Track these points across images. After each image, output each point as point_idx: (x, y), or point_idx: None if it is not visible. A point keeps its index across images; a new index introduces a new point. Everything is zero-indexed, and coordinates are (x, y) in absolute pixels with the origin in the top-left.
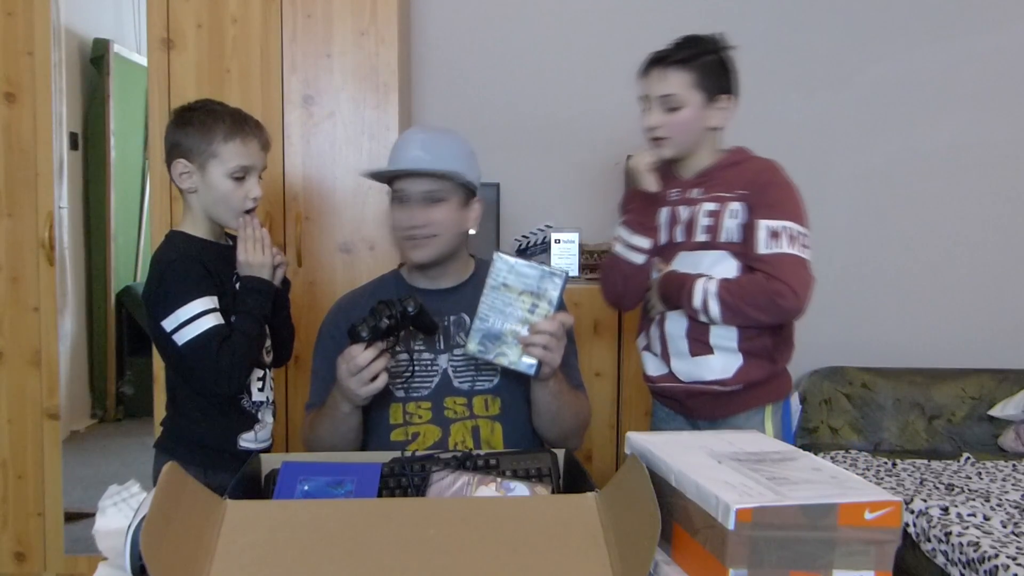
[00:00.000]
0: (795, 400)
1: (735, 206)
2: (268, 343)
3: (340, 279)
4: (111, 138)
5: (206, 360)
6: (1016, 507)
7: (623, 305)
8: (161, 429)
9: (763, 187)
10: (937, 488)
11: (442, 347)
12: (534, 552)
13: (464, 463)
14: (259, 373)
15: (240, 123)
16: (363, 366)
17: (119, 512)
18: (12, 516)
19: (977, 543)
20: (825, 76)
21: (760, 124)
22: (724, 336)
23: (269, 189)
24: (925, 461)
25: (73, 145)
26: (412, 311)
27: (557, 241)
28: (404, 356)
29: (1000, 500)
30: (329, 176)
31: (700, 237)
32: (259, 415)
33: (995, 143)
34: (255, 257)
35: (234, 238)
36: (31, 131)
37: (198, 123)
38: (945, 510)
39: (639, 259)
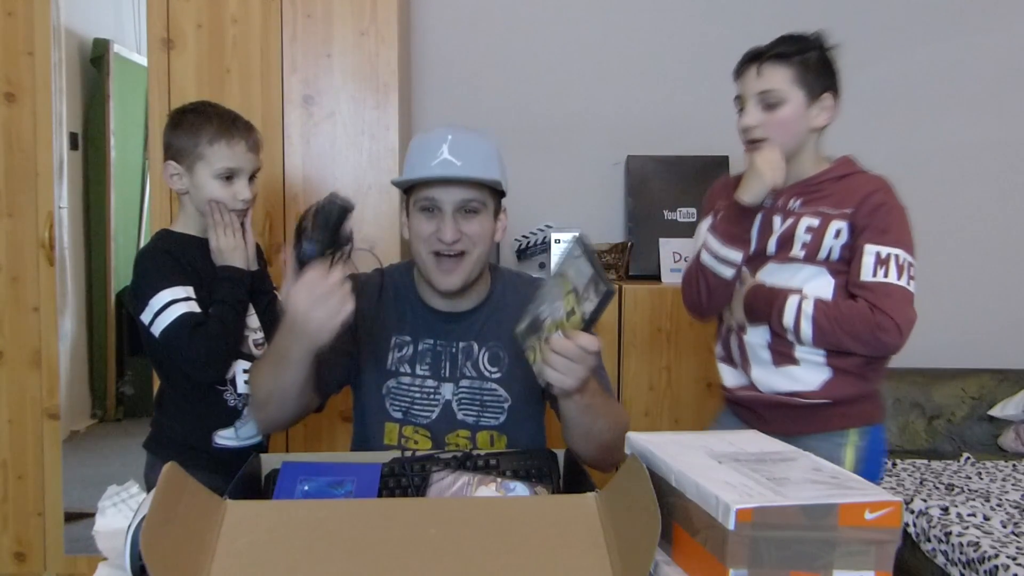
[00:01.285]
0: None
1: (839, 224)
2: (260, 336)
3: None
4: (111, 138)
5: (180, 346)
6: (1016, 507)
7: (704, 316)
8: (150, 430)
9: (874, 208)
10: (937, 488)
11: (447, 375)
12: (534, 552)
13: (464, 463)
14: (245, 366)
15: (227, 125)
16: (333, 288)
17: (119, 512)
18: (12, 516)
19: (977, 543)
20: None
21: None
22: (810, 350)
23: (269, 189)
24: (925, 461)
25: (73, 145)
26: (350, 206)
27: (557, 241)
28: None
29: (1000, 500)
30: (329, 176)
31: (796, 253)
32: (244, 410)
33: (995, 143)
34: (225, 241)
35: None
36: (31, 131)
37: (187, 125)
38: (945, 510)
39: (728, 272)
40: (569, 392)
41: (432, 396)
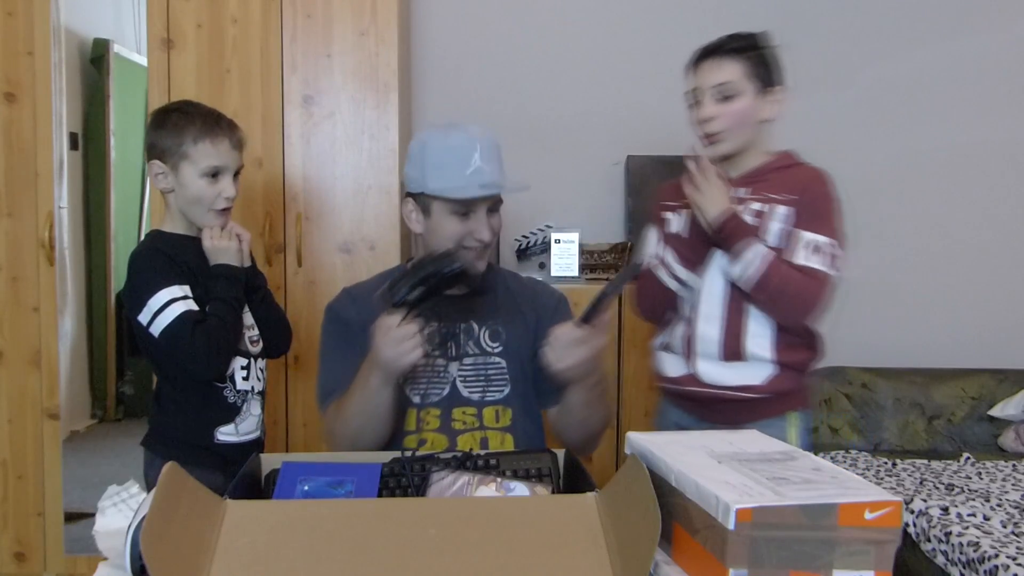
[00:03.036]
0: None
1: (782, 210)
2: (255, 333)
3: (340, 279)
4: (111, 138)
5: (181, 344)
6: (1016, 507)
7: (658, 321)
8: (148, 427)
9: (815, 198)
10: (937, 488)
11: (453, 354)
12: (534, 552)
13: (464, 463)
14: (242, 362)
15: (211, 124)
16: (408, 336)
17: (119, 512)
18: (12, 516)
19: (977, 543)
20: (825, 76)
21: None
22: (760, 345)
23: (269, 189)
24: (925, 461)
25: (73, 145)
26: (458, 268)
27: (557, 241)
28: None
29: (1000, 500)
30: (329, 176)
31: None
32: (243, 406)
33: (995, 143)
34: (220, 241)
35: None
36: (31, 131)
37: (171, 125)
38: (945, 510)
39: (683, 292)
40: (566, 377)
41: (442, 375)
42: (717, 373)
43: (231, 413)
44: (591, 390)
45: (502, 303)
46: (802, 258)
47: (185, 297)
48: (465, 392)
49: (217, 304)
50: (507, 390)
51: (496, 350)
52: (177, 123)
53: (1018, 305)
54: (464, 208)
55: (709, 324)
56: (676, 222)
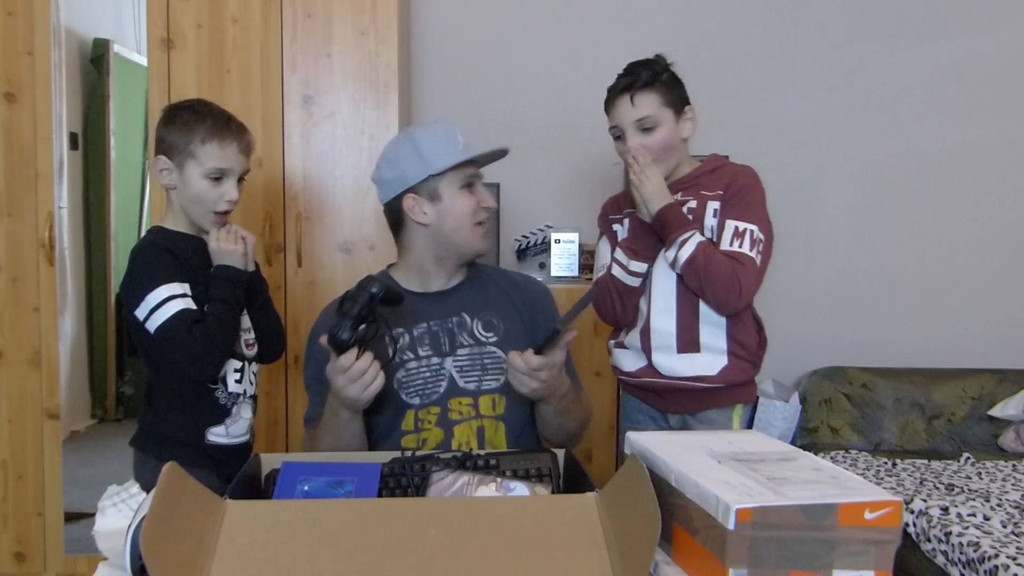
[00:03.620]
0: (795, 400)
1: (714, 204)
2: (251, 337)
3: (340, 279)
4: (111, 138)
5: (177, 342)
6: (1016, 507)
7: (620, 322)
8: (137, 426)
9: (739, 190)
10: (937, 488)
11: (447, 350)
12: (534, 552)
13: (464, 463)
14: (236, 365)
15: (221, 126)
16: (362, 371)
17: (119, 512)
18: (12, 516)
19: (977, 543)
20: (825, 76)
21: (760, 124)
22: (714, 335)
23: (269, 189)
24: (925, 461)
25: (73, 145)
26: (378, 292)
27: (557, 241)
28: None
29: (1000, 500)
30: (329, 176)
31: None
32: (234, 409)
33: (995, 143)
34: (226, 244)
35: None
36: (31, 131)
37: (180, 122)
38: (945, 510)
39: (635, 283)
40: (533, 397)
41: (439, 372)
42: (673, 364)
43: (222, 414)
44: (559, 402)
45: (492, 296)
46: (727, 243)
47: (184, 295)
48: (462, 382)
49: (217, 305)
50: (503, 378)
51: (491, 340)
52: (187, 121)
53: (1018, 305)
54: (470, 179)
55: (663, 317)
56: (622, 231)
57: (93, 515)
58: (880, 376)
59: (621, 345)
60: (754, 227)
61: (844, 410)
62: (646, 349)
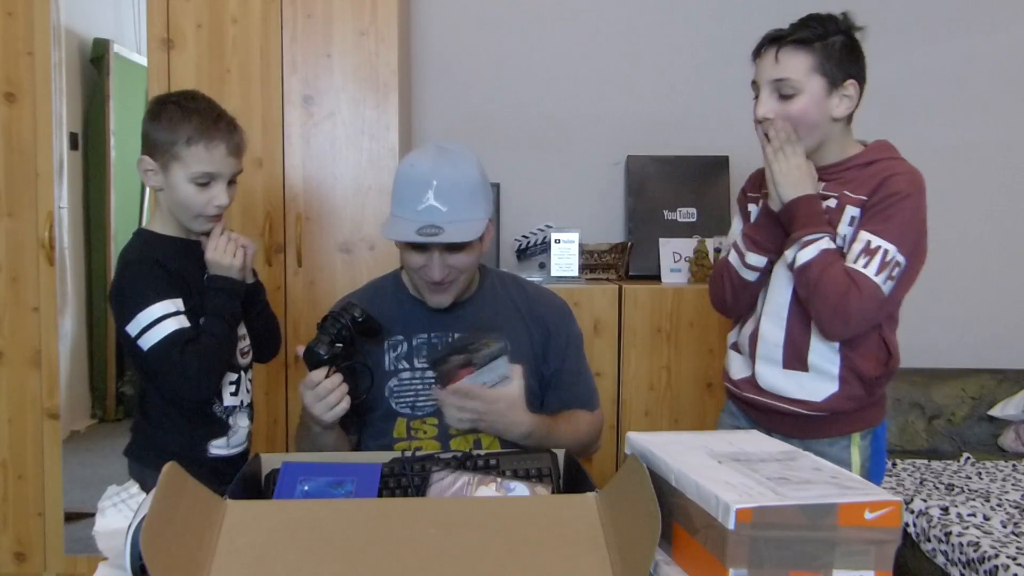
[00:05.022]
0: None
1: (854, 211)
2: (246, 344)
3: (340, 279)
4: (111, 138)
5: (170, 365)
6: (1016, 507)
7: (731, 312)
8: (131, 435)
9: (886, 196)
10: (937, 488)
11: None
12: (534, 552)
13: (464, 463)
14: (232, 377)
15: (208, 125)
16: (328, 391)
17: (119, 512)
18: (12, 516)
19: (977, 543)
20: None
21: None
22: (825, 357)
23: (269, 189)
24: (925, 461)
25: (73, 145)
26: (360, 317)
27: (557, 241)
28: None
29: (1000, 500)
30: (329, 176)
31: None
32: (231, 420)
33: (995, 143)
34: (224, 257)
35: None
36: (31, 131)
37: (166, 119)
38: (945, 510)
39: (751, 277)
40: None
41: (433, 385)
42: (775, 380)
43: (220, 428)
44: (542, 441)
45: (502, 312)
46: (853, 259)
47: (177, 313)
48: None
49: (213, 320)
50: None
51: None
52: (172, 118)
53: (1018, 305)
54: (415, 246)
55: (773, 325)
56: (756, 212)
57: (93, 515)
58: None
59: (735, 347)
60: (892, 247)
61: None
62: (752, 356)
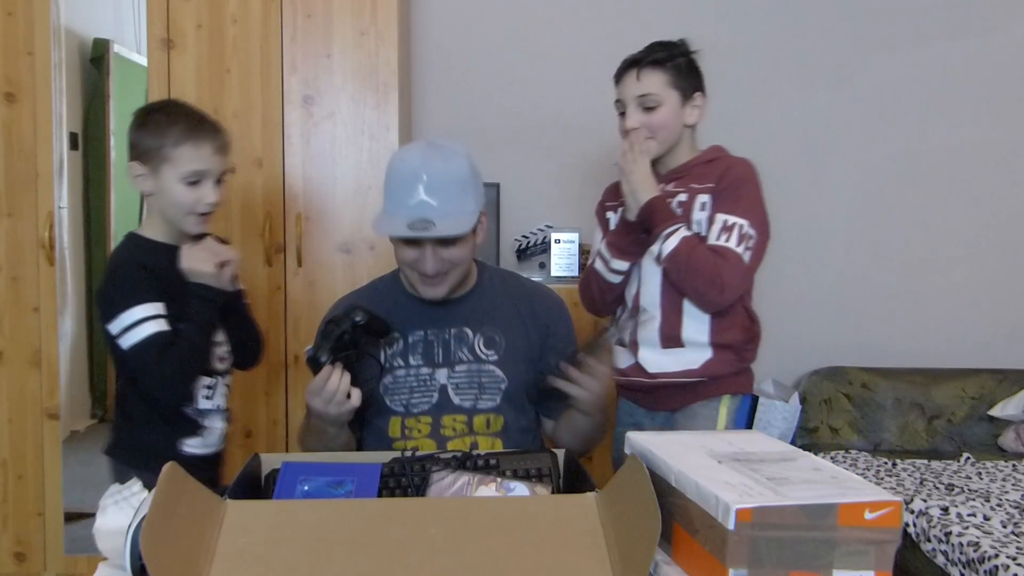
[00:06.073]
0: (795, 400)
1: (703, 198)
2: (225, 350)
3: (340, 279)
4: (111, 138)
5: (147, 366)
6: (1016, 507)
7: (601, 312)
8: (112, 434)
9: (732, 182)
10: (937, 488)
11: (440, 361)
12: (534, 552)
13: (464, 463)
14: (207, 381)
15: (193, 126)
16: (335, 391)
17: (120, 510)
18: (12, 516)
19: (977, 543)
20: (825, 76)
21: (760, 123)
22: (697, 330)
23: (269, 189)
24: (925, 461)
25: (73, 145)
26: (361, 321)
27: (557, 241)
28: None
29: (1000, 500)
30: (329, 176)
31: None
32: (204, 422)
33: (995, 143)
34: (197, 264)
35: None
36: (31, 131)
37: (152, 125)
38: (945, 510)
39: (616, 280)
40: (587, 404)
41: (428, 383)
42: (658, 360)
43: (194, 428)
44: (600, 414)
45: (500, 308)
46: (714, 237)
47: (157, 316)
48: (456, 399)
49: (190, 326)
50: (499, 399)
51: (491, 358)
52: (158, 124)
53: (1018, 305)
54: (408, 240)
55: (649, 319)
56: (614, 220)
57: (93, 515)
58: (880, 376)
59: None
60: (744, 222)
61: (844, 410)
62: (633, 345)
